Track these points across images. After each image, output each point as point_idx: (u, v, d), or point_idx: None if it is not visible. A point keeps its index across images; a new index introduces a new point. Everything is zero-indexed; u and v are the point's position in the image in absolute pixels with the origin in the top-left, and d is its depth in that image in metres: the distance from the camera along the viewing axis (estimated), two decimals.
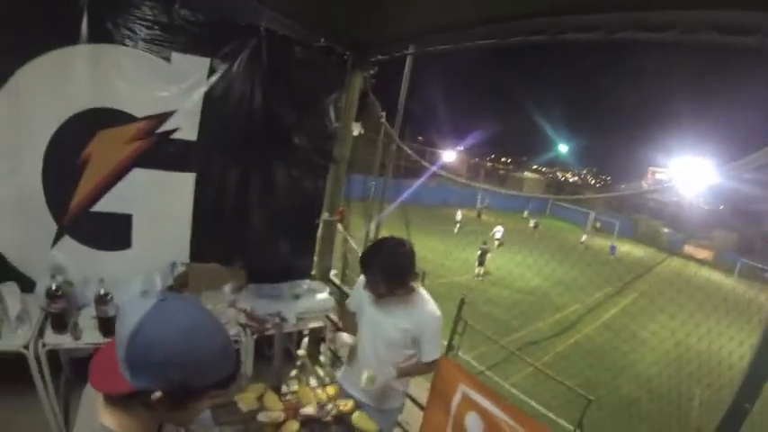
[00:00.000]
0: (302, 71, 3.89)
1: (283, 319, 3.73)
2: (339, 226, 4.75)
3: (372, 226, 4.94)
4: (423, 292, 2.69)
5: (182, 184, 3.66)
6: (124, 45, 3.16)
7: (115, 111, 3.26)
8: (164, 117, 3.41)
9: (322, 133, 4.17)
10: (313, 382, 2.96)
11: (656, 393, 9.15)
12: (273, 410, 2.36)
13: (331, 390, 2.76)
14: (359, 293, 2.85)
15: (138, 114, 3.33)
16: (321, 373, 3.29)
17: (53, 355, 3.44)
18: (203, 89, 3.48)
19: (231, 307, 3.64)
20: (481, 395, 2.59)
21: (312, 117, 4.07)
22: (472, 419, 2.64)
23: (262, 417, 2.30)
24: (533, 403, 7.22)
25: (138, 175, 3.46)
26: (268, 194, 4.07)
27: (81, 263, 3.30)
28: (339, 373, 3.21)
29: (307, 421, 2.38)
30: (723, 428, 2.26)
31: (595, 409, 5.85)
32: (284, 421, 2.33)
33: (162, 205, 3.64)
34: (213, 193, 3.80)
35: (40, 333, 2.96)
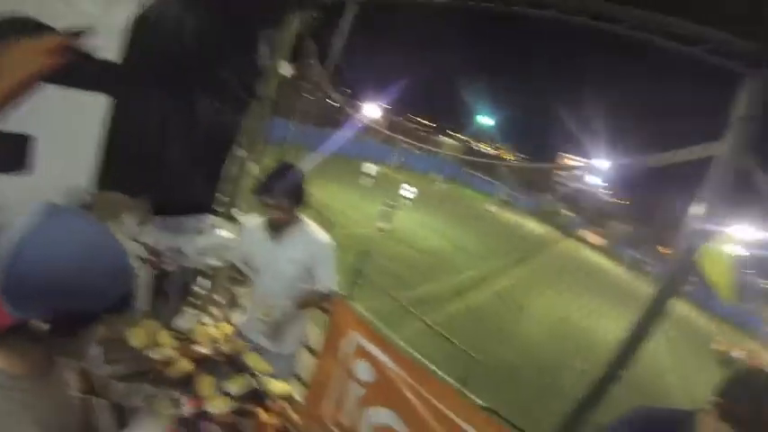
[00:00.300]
0: (238, 4, 3.72)
1: (182, 254, 3.69)
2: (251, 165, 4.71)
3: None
4: (307, 220, 2.81)
5: (92, 106, 3.49)
6: None
7: (31, 20, 3.02)
8: (84, 32, 3.18)
9: (250, 68, 4.06)
10: (209, 321, 2.93)
11: (537, 362, 9.90)
12: (165, 348, 2.31)
13: (226, 328, 2.79)
14: (246, 240, 3.05)
15: (57, 25, 3.10)
16: (218, 312, 3.26)
17: None
18: (131, 7, 3.34)
19: (133, 240, 3.56)
20: (374, 344, 2.58)
21: (243, 50, 3.95)
22: (363, 367, 2.60)
23: (153, 354, 2.22)
24: (421, 358, 7.55)
25: (47, 91, 3.21)
26: (183, 124, 3.93)
27: None
28: (238, 319, 3.23)
29: (200, 360, 2.31)
30: (592, 393, 2.66)
31: (479, 370, 6.30)
32: (176, 359, 2.25)
33: (68, 127, 3.44)
34: (125, 119, 3.61)
35: None
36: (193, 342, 2.46)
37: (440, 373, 6.95)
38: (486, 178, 41.40)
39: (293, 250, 2.69)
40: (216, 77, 3.86)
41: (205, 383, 2.13)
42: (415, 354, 7.49)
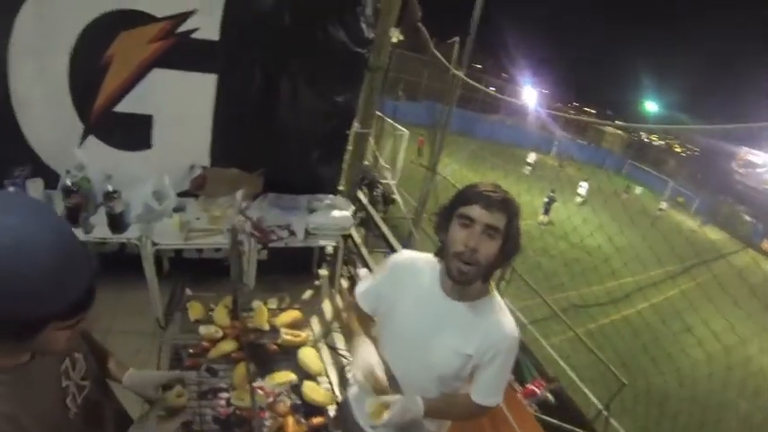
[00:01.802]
0: None
1: (292, 233, 3.68)
2: (371, 140, 4.58)
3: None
4: (498, 296, 1.67)
5: (203, 86, 3.60)
6: None
7: (136, 12, 3.24)
8: (184, 16, 3.33)
9: (357, 38, 3.83)
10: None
11: (694, 394, 8.24)
12: (216, 325, 2.23)
13: (293, 314, 2.46)
14: (384, 289, 1.78)
15: (159, 14, 3.28)
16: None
17: None
18: None
19: (240, 214, 3.63)
20: None
21: (347, 19, 3.74)
22: None
23: (202, 329, 2.17)
24: (568, 370, 6.97)
25: (159, 75, 3.45)
26: (295, 100, 3.88)
27: (104, 162, 3.38)
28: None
29: (248, 344, 2.16)
30: None
31: (625, 393, 5.60)
32: (222, 338, 2.17)
33: (182, 106, 3.61)
34: (236, 96, 3.68)
35: None
36: (250, 324, 2.31)
37: (583, 388, 6.36)
38: (655, 173, 37.21)
39: (461, 337, 1.59)
40: (320, 49, 3.74)
41: (239, 371, 1.98)
42: (563, 364, 6.94)
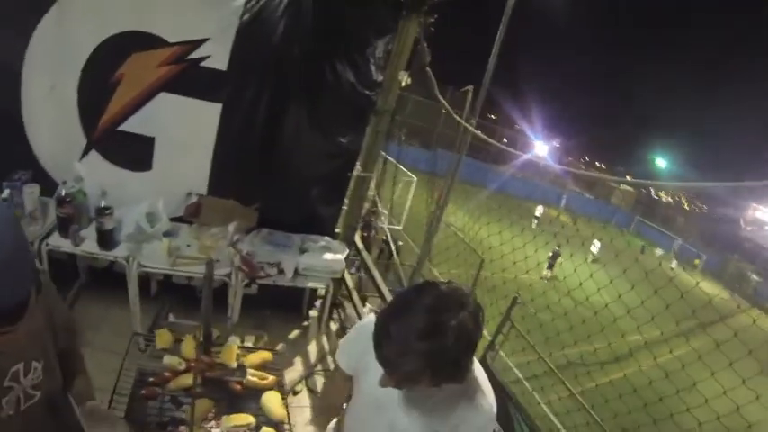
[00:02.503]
0: (351, 9, 3.63)
1: (281, 271, 3.64)
2: (372, 185, 4.56)
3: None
4: (479, 374, 1.49)
5: (207, 114, 3.64)
6: None
7: (150, 34, 3.33)
8: (196, 44, 3.41)
9: (366, 80, 3.87)
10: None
11: None
12: (181, 356, 2.17)
13: (263, 355, 2.39)
14: (357, 350, 1.61)
15: (171, 39, 3.37)
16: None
17: (72, 261, 3.73)
18: (238, 18, 3.42)
19: (231, 246, 3.63)
20: None
21: (357, 60, 3.79)
22: None
23: (166, 359, 2.13)
24: (561, 429, 6.70)
25: (166, 99, 3.51)
26: (298, 137, 3.90)
27: (103, 178, 3.43)
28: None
29: (210, 379, 2.13)
30: None
31: None
32: (185, 370, 2.12)
33: (185, 132, 3.66)
34: (239, 127, 3.72)
35: (49, 234, 3.19)
36: (217, 360, 2.24)
37: None
38: (663, 230, 37.03)
39: (431, 413, 1.46)
40: (328, 89, 3.78)
41: (200, 407, 1.92)
42: (558, 424, 6.74)
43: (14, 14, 3.10)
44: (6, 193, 3.09)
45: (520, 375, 8.63)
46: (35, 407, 1.32)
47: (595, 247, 21.34)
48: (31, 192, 3.18)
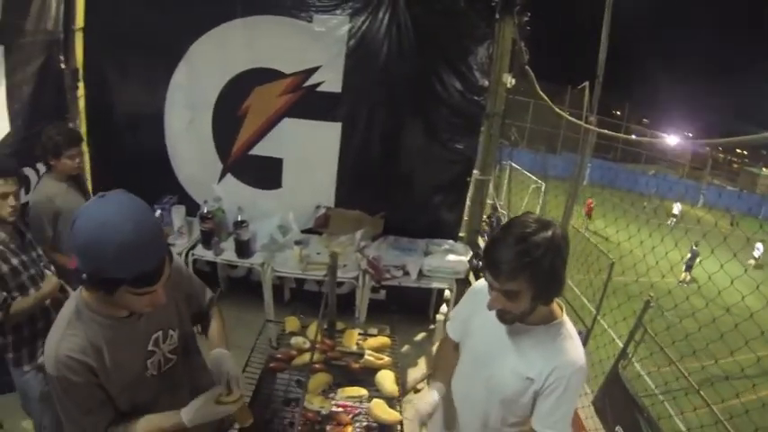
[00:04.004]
0: (445, 21, 3.79)
1: (406, 273, 3.82)
2: (491, 188, 4.59)
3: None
4: (568, 323, 1.62)
5: (328, 133, 4.01)
6: (272, 14, 3.73)
7: (268, 69, 3.85)
8: (310, 72, 3.82)
9: (472, 86, 3.97)
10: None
11: None
12: (306, 338, 2.44)
13: (381, 340, 2.56)
14: (466, 312, 1.84)
15: (287, 71, 3.84)
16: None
17: (213, 272, 4.20)
18: (345, 44, 3.77)
19: (358, 252, 3.91)
20: None
21: (461, 68, 3.91)
22: None
23: (292, 340, 2.41)
24: None
25: (289, 124, 3.97)
26: (415, 147, 4.13)
27: (238, 197, 3.95)
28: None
29: (330, 359, 2.35)
30: None
31: None
32: (306, 350, 2.34)
33: (310, 151, 4.06)
34: (359, 143, 4.05)
35: (194, 246, 3.76)
36: (338, 344, 2.49)
37: None
38: None
39: (524, 359, 1.57)
40: (437, 99, 3.97)
41: (317, 379, 2.16)
42: None
43: (153, 70, 3.87)
44: (158, 213, 3.69)
45: (651, 384, 8.03)
46: (173, 369, 1.63)
47: (758, 250, 18.00)
48: (179, 211, 3.74)
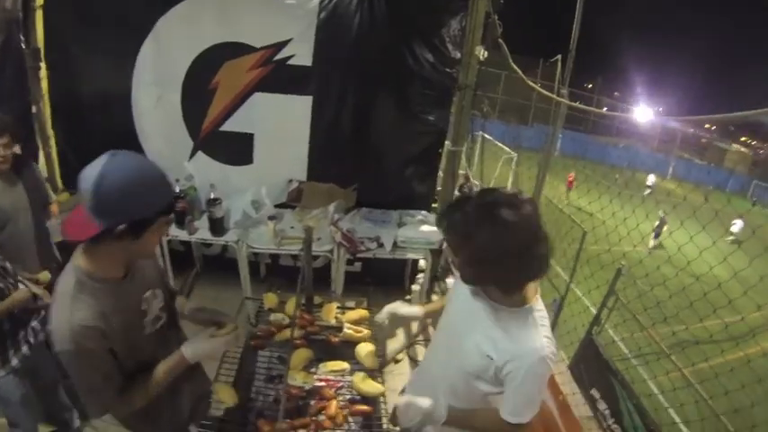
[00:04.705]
0: None
1: (381, 245, 3.85)
2: (462, 159, 4.60)
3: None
4: (538, 311, 1.59)
5: (299, 107, 3.95)
6: None
7: (237, 44, 3.75)
8: (280, 46, 3.74)
9: (445, 58, 3.96)
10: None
11: None
12: (285, 314, 2.45)
13: (360, 312, 2.56)
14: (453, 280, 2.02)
15: (257, 45, 3.74)
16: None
17: (188, 251, 4.16)
18: (315, 17, 3.69)
19: (332, 225, 3.90)
20: None
21: (434, 41, 3.89)
22: None
23: (272, 317, 2.42)
24: (672, 411, 6.25)
25: (260, 98, 3.89)
26: (387, 119, 4.13)
27: (210, 174, 3.89)
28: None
29: (310, 333, 2.37)
30: None
31: None
32: (288, 326, 2.35)
33: (281, 126, 4.01)
34: (330, 116, 4.01)
35: None
36: (317, 318, 2.50)
37: None
38: None
39: (486, 338, 1.58)
40: (408, 70, 3.94)
41: (299, 355, 2.16)
42: (666, 404, 6.34)
43: (119, 44, 3.70)
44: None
45: (625, 349, 8.24)
46: (164, 326, 1.78)
47: (736, 226, 17.66)
48: None
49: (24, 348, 2.37)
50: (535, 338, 1.52)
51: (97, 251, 1.46)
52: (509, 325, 1.55)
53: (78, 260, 1.46)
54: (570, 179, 17.84)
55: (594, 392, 3.56)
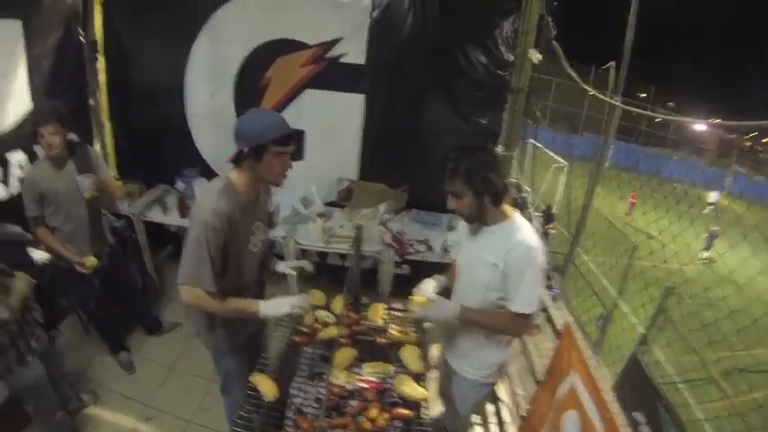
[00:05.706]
0: None
1: (429, 248, 3.80)
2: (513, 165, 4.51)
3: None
4: (518, 218, 2.06)
5: (351, 105, 3.97)
6: None
7: (290, 40, 3.79)
8: (332, 43, 3.76)
9: (497, 60, 3.89)
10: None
11: None
12: (331, 312, 2.45)
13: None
14: (458, 239, 2.49)
15: (310, 42, 3.77)
16: None
17: None
18: (368, 16, 3.69)
19: (381, 225, 3.87)
20: (589, 395, 2.08)
21: (486, 42, 3.83)
22: (571, 418, 2.16)
23: (317, 313, 2.42)
24: None
25: (311, 95, 3.92)
26: (439, 121, 4.08)
27: None
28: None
29: (355, 333, 2.37)
30: None
31: None
32: (331, 324, 2.36)
33: (332, 123, 4.02)
34: (382, 115, 4.00)
35: None
36: (363, 317, 2.47)
37: None
38: None
39: (488, 251, 2.02)
40: (461, 72, 3.88)
41: (342, 354, 2.14)
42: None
43: (174, 38, 3.81)
44: (180, 185, 3.71)
45: (673, 375, 7.89)
46: (259, 254, 2.22)
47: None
48: (201, 184, 3.75)
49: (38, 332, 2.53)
50: (523, 235, 1.99)
51: (240, 170, 1.95)
52: (500, 236, 2.03)
53: (230, 174, 1.98)
54: (632, 199, 17.06)
55: (638, 416, 3.41)
